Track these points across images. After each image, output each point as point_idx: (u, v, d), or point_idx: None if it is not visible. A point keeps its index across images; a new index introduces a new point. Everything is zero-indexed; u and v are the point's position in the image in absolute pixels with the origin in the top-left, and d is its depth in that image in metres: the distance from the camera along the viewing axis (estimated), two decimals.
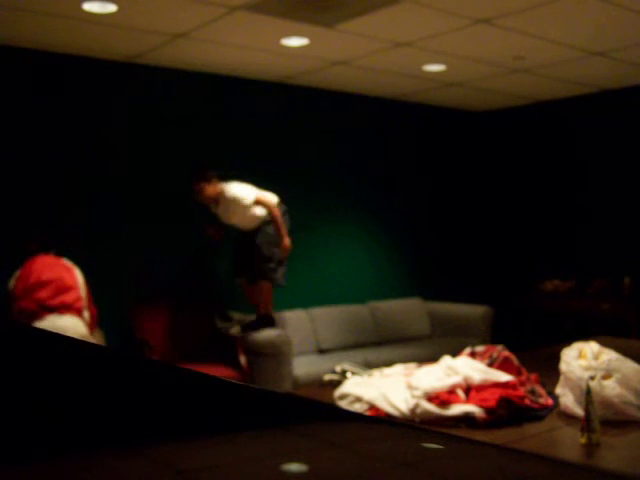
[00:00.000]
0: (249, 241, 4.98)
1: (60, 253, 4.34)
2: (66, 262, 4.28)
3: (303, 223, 5.92)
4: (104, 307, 4.87)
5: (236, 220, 4.96)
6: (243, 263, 5.06)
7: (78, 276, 4.24)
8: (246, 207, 4.85)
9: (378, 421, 1.02)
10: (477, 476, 0.60)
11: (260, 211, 4.92)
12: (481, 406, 2.48)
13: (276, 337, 4.85)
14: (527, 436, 2.39)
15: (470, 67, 5.35)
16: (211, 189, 4.88)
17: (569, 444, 2.38)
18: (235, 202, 4.84)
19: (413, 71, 5.49)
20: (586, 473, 0.67)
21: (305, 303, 5.82)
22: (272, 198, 4.97)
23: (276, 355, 4.83)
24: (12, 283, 4.12)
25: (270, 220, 4.93)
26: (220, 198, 4.90)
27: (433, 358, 3.30)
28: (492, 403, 2.48)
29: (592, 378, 2.45)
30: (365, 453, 0.65)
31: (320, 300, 5.93)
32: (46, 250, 4.26)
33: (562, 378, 2.61)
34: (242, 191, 4.88)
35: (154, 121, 5.20)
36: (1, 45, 4.51)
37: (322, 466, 0.60)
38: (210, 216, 5.07)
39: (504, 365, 2.80)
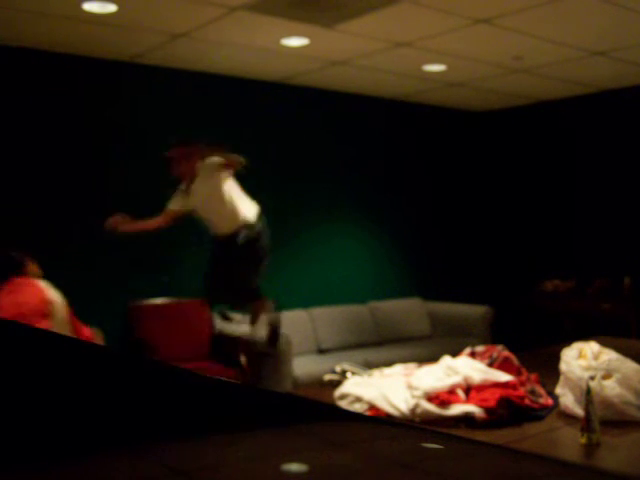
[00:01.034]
0: (227, 258, 4.21)
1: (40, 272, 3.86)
2: (38, 285, 3.72)
3: (303, 223, 5.92)
4: (104, 307, 4.88)
5: (212, 205, 4.08)
6: (220, 287, 4.27)
7: (49, 300, 3.67)
8: (219, 178, 3.97)
9: (378, 421, 1.02)
10: (477, 476, 0.60)
11: (244, 210, 4.08)
12: (481, 406, 2.48)
13: None
14: (527, 436, 2.39)
15: (470, 67, 5.35)
16: (187, 163, 4.03)
17: (569, 444, 2.38)
18: (207, 169, 3.98)
19: (413, 71, 5.49)
20: (586, 473, 0.67)
21: (305, 303, 5.82)
22: (251, 209, 4.12)
23: (276, 355, 4.83)
24: None
25: (251, 226, 4.06)
26: (196, 175, 4.04)
27: (433, 358, 3.30)
28: (492, 403, 2.48)
29: (592, 378, 2.45)
30: (365, 453, 0.65)
31: (320, 300, 5.93)
32: (11, 274, 3.73)
33: (562, 378, 2.61)
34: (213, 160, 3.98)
35: (154, 121, 5.20)
36: (1, 45, 4.51)
37: (322, 466, 0.60)
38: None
39: (504, 365, 2.80)
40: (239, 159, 3.92)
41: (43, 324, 3.52)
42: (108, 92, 5.01)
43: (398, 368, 3.15)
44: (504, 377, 2.65)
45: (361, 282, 6.30)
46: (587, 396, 2.22)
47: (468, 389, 2.62)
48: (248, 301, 4.45)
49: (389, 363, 3.78)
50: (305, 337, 5.54)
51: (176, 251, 5.27)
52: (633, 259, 5.94)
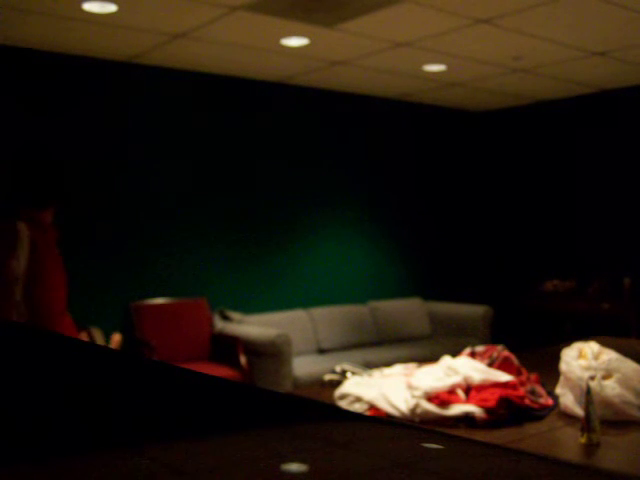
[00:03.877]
0: None
1: None
2: None
3: (303, 223, 5.92)
4: (104, 307, 4.88)
5: None
6: None
7: None
8: None
9: (378, 421, 1.01)
10: (477, 476, 0.60)
11: None
12: (481, 406, 2.48)
13: (276, 337, 4.86)
14: (527, 436, 2.38)
15: (470, 67, 5.35)
16: None
17: (569, 444, 2.38)
18: None
19: (413, 71, 5.49)
20: (586, 473, 0.66)
21: (305, 303, 5.82)
22: None
23: (276, 355, 4.83)
24: None
25: None
26: None
27: (433, 358, 3.30)
28: (492, 403, 2.48)
29: (592, 378, 2.45)
30: (365, 453, 0.65)
31: (320, 300, 5.93)
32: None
33: (562, 378, 2.60)
34: None
35: (154, 121, 5.21)
36: (1, 45, 4.51)
37: (322, 466, 0.60)
38: None
39: (504, 365, 2.80)
40: None
41: None
42: (108, 92, 5.02)
43: (398, 368, 3.15)
44: (504, 377, 2.65)
45: (361, 282, 6.30)
46: (587, 396, 2.22)
47: (468, 389, 2.62)
48: None
49: (389, 363, 3.79)
50: (305, 337, 5.54)
51: (176, 251, 5.27)
52: (633, 259, 5.94)
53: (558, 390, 2.64)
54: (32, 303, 3.14)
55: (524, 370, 2.84)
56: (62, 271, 3.35)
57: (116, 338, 4.24)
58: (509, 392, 2.56)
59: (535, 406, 2.60)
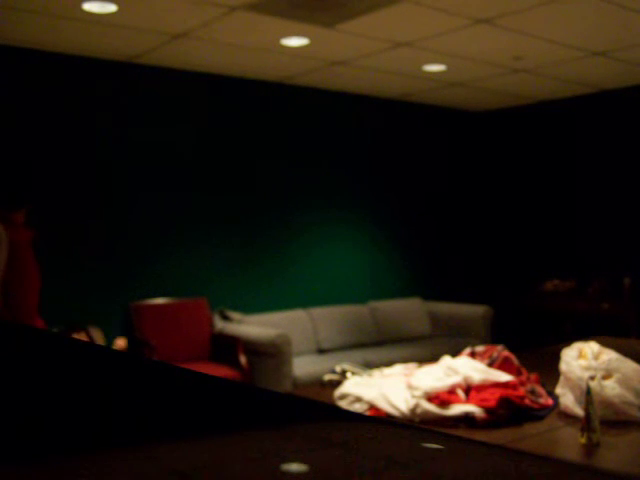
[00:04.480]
0: None
1: None
2: None
3: (303, 223, 5.92)
4: (104, 307, 4.88)
5: None
6: None
7: None
8: None
9: (378, 421, 1.01)
10: (477, 476, 0.60)
11: None
12: (481, 406, 2.48)
13: (276, 337, 4.86)
14: (527, 436, 2.39)
15: (470, 67, 5.35)
16: None
17: (569, 444, 2.38)
18: None
19: (413, 71, 5.49)
20: (586, 473, 0.66)
21: (305, 303, 5.82)
22: None
23: (276, 355, 4.83)
24: None
25: None
26: None
27: (433, 358, 3.30)
28: (492, 403, 2.48)
29: (592, 378, 2.45)
30: (365, 453, 0.65)
31: (320, 300, 5.93)
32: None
33: (562, 378, 2.60)
34: None
35: (154, 121, 5.21)
36: (1, 45, 4.51)
37: (322, 466, 0.60)
38: None
39: (504, 365, 2.80)
40: None
41: None
42: (108, 92, 5.02)
43: (398, 368, 3.15)
44: (504, 377, 2.65)
45: (361, 282, 6.30)
46: (587, 396, 2.22)
47: (468, 389, 2.62)
48: None
49: (389, 363, 3.79)
50: (305, 337, 5.54)
51: (176, 251, 5.27)
52: (633, 259, 5.94)
53: (558, 390, 2.64)
54: (10, 304, 3.13)
55: (524, 370, 2.84)
56: (37, 271, 3.35)
57: (120, 343, 4.22)
58: (509, 392, 2.56)
59: (535, 406, 2.60)
